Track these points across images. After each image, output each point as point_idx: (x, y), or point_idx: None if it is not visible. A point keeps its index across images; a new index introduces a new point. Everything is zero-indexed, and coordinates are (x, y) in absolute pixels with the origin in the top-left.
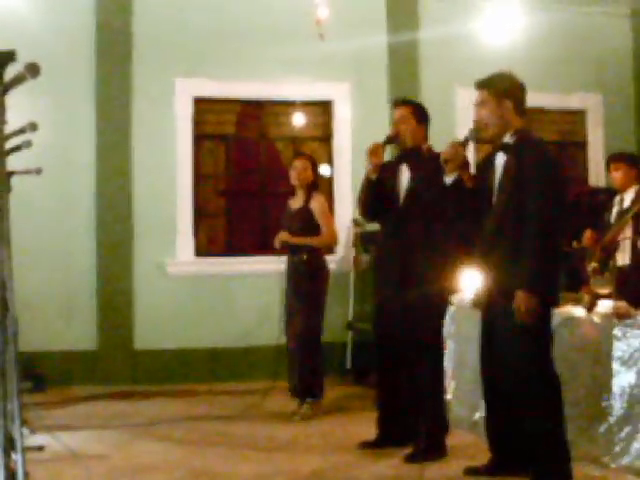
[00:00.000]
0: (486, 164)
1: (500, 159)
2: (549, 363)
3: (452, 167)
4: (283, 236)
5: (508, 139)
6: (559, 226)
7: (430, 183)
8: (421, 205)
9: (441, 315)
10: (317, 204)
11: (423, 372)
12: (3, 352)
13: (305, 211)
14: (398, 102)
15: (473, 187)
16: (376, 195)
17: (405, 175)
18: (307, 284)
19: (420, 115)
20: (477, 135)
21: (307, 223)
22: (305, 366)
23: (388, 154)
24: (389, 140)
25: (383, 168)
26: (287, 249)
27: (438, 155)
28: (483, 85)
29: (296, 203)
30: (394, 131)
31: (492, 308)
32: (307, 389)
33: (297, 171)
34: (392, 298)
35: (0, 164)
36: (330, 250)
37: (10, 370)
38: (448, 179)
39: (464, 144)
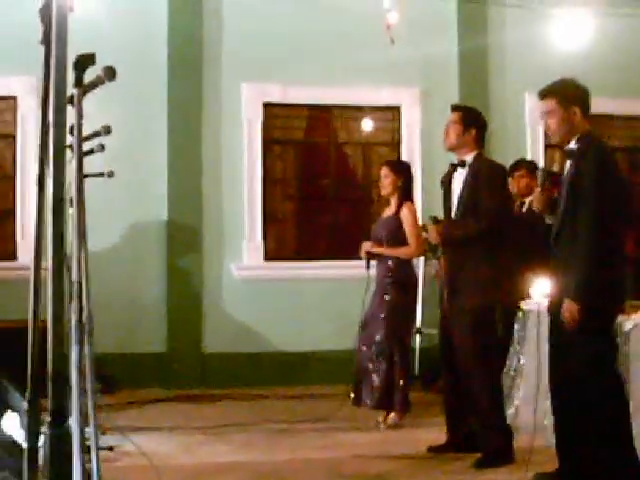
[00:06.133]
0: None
1: (568, 165)
2: (609, 368)
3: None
4: (366, 246)
5: (573, 145)
6: (614, 232)
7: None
8: (470, 213)
9: (491, 324)
10: (407, 213)
11: (477, 382)
12: (80, 351)
13: (394, 220)
14: (451, 107)
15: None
16: None
17: (457, 182)
18: (389, 294)
19: (469, 120)
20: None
21: (394, 232)
22: (379, 377)
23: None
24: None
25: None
26: (373, 257)
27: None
28: (549, 93)
29: (387, 212)
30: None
31: (555, 313)
32: (385, 401)
33: (380, 180)
34: (446, 306)
35: (78, 163)
36: None
37: (86, 369)
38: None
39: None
